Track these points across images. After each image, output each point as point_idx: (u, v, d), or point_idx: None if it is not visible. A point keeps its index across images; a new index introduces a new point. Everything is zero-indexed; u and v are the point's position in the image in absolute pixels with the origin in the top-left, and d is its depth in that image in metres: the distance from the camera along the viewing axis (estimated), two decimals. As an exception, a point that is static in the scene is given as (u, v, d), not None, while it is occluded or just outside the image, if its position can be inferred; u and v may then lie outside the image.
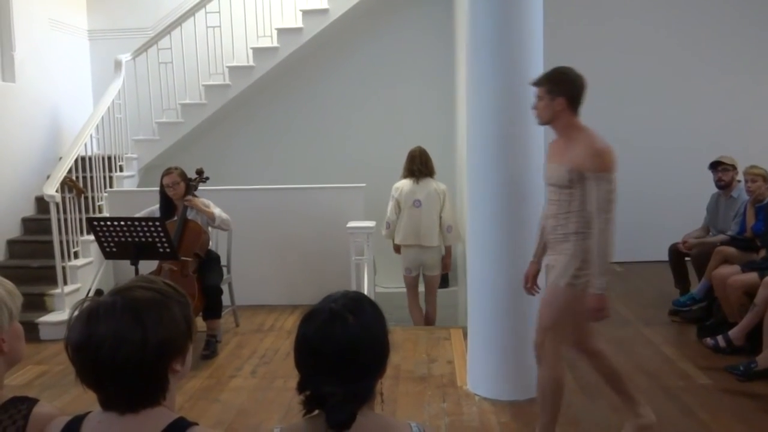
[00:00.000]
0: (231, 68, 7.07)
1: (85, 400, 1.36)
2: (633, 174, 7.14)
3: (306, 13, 6.99)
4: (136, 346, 1.23)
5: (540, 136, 3.73)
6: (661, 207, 7.06)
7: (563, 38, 6.60)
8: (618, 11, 7.15)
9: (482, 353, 3.88)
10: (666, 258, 5.51)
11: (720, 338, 4.38)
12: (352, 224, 5.43)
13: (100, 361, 1.23)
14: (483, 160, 3.76)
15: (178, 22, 6.94)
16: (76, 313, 1.28)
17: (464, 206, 5.12)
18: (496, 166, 3.70)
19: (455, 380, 4.15)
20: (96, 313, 1.25)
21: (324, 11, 6.95)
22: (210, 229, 5.01)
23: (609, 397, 3.75)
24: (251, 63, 7.06)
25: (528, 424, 3.51)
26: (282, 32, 7.02)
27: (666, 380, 4.00)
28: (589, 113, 7.30)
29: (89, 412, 1.34)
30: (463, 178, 5.37)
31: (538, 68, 3.68)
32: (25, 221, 6.37)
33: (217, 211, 4.92)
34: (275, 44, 7.03)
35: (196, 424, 1.31)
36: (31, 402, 1.43)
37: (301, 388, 1.35)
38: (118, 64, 6.79)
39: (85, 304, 1.28)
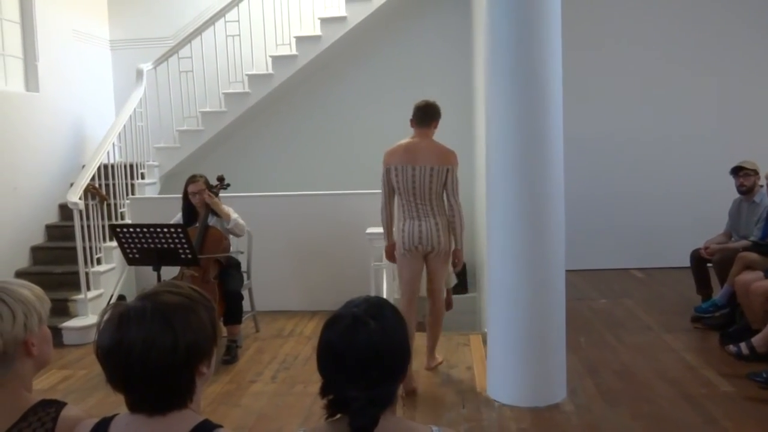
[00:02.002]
0: (250, 76, 7.14)
1: (109, 404, 1.39)
2: (654, 179, 7.12)
3: (324, 21, 7.05)
4: (167, 350, 1.26)
5: (560, 139, 3.72)
6: (682, 212, 7.00)
7: (582, 38, 6.60)
8: (638, 10, 7.11)
9: (502, 359, 3.87)
10: (688, 264, 5.47)
11: (743, 345, 4.32)
12: (371, 230, 5.44)
13: (131, 365, 1.26)
14: (502, 164, 3.75)
15: (198, 31, 7.02)
16: (105, 317, 1.31)
17: (483, 210, 5.12)
18: (515, 169, 3.70)
19: (474, 386, 4.14)
20: (126, 317, 1.28)
21: (342, 19, 7.00)
22: (230, 236, 5.05)
23: (629, 404, 3.75)
24: (270, 71, 7.12)
25: (548, 431, 3.49)
26: (300, 40, 7.07)
27: (688, 387, 3.96)
28: (607, 116, 7.33)
29: (116, 415, 1.37)
30: (481, 182, 5.37)
31: (557, 69, 3.68)
32: (49, 228, 6.46)
33: (233, 215, 4.96)
34: (294, 52, 7.09)
35: (221, 426, 1.33)
36: (60, 405, 1.46)
37: (324, 392, 1.37)
38: (139, 73, 6.88)
39: (115, 309, 1.31)
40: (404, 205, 4.15)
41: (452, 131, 7.19)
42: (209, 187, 4.98)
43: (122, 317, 1.29)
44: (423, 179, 4.05)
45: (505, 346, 3.84)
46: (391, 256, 4.35)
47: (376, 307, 1.41)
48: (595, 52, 6.99)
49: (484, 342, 4.54)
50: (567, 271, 3.90)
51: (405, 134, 7.41)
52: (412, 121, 4.26)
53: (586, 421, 3.58)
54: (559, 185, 3.75)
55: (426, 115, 4.25)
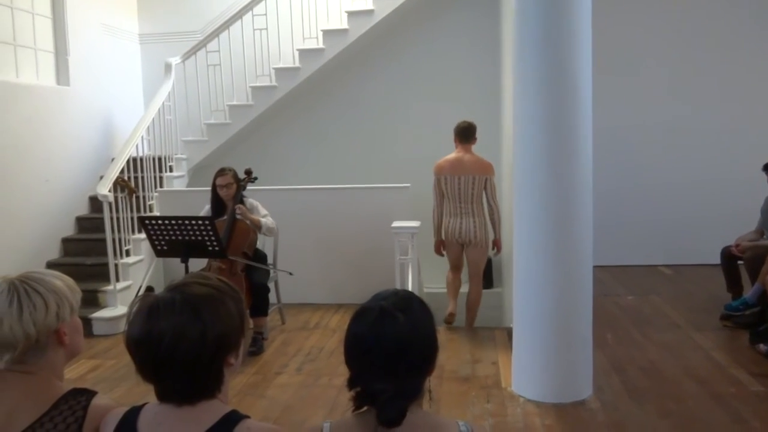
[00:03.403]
0: (277, 70, 7.17)
1: (137, 393, 1.41)
2: (684, 174, 7.02)
3: (351, 15, 7.05)
4: (196, 341, 1.28)
5: (589, 133, 3.68)
6: (712, 208, 6.90)
7: (611, 29, 6.52)
8: (672, 4, 7.00)
9: (528, 355, 3.85)
10: (717, 261, 5.39)
11: (773, 344, 4.27)
12: (396, 224, 5.44)
13: (161, 356, 1.28)
14: (530, 158, 3.72)
15: (226, 25, 7.07)
16: (135, 308, 1.33)
17: (509, 205, 5.09)
18: (543, 164, 3.66)
19: (500, 381, 4.13)
20: (156, 308, 1.30)
21: (369, 12, 6.99)
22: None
23: (656, 402, 3.71)
24: (297, 64, 7.14)
25: (573, 428, 3.47)
26: (327, 33, 7.09)
27: (717, 386, 3.91)
28: (636, 110, 7.23)
29: (145, 404, 1.39)
30: (509, 177, 5.34)
31: (587, 64, 3.64)
32: (80, 220, 6.57)
33: (264, 220, 4.99)
34: (321, 45, 7.10)
35: (248, 417, 1.35)
36: (90, 394, 1.48)
37: (351, 384, 1.38)
38: (168, 67, 6.95)
39: (145, 300, 1.33)
40: (450, 206, 5.27)
41: (479, 125, 7.21)
42: (237, 180, 5.01)
43: (152, 308, 1.31)
44: (467, 186, 5.18)
45: (531, 342, 3.82)
46: (438, 251, 5.48)
47: (405, 300, 1.41)
48: (625, 43, 6.90)
49: (510, 337, 4.52)
50: (594, 266, 3.87)
51: (430, 127, 7.43)
52: (455, 139, 5.33)
53: (612, 419, 3.55)
54: (588, 180, 3.71)
55: (467, 134, 5.30)
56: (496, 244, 5.39)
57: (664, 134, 7.02)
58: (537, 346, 3.79)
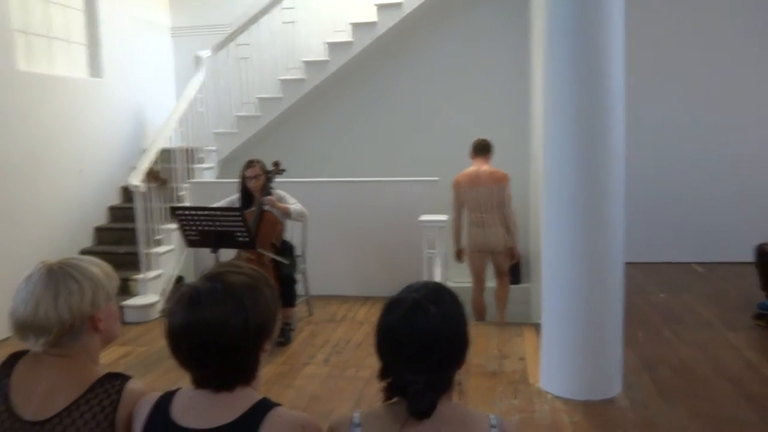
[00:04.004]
0: (306, 63, 7.20)
1: (168, 380, 1.43)
2: (718, 169, 6.90)
3: (380, 7, 7.04)
4: (240, 329, 1.31)
5: (621, 130, 3.63)
6: (746, 205, 6.78)
7: (646, 23, 6.41)
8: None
9: (556, 351, 3.82)
10: (751, 259, 5.28)
11: (808, 344, 4.19)
12: (424, 217, 5.43)
13: (205, 344, 1.30)
14: (560, 153, 3.67)
15: (256, 18, 7.10)
16: (176, 298, 1.35)
17: (538, 200, 5.05)
18: (573, 159, 3.62)
19: (527, 377, 4.11)
20: (197, 298, 1.32)
21: (398, 5, 6.98)
22: (285, 220, 5.12)
23: (687, 401, 3.66)
24: (326, 57, 7.16)
25: (601, 425, 3.44)
26: (356, 27, 7.09)
27: (748, 386, 3.84)
28: (669, 104, 7.11)
29: (178, 389, 1.41)
30: (538, 171, 5.30)
31: (620, 59, 3.58)
32: (112, 209, 6.67)
33: (293, 207, 5.02)
34: (350, 38, 7.11)
35: (280, 405, 1.36)
36: (124, 378, 1.51)
37: (382, 375, 1.38)
38: (198, 60, 7.02)
39: (185, 290, 1.35)
40: (472, 216, 5.51)
41: (507, 118, 7.16)
42: (266, 172, 5.04)
43: (193, 298, 1.32)
44: (485, 197, 5.43)
45: (560, 338, 3.78)
46: (459, 258, 5.75)
47: (436, 292, 1.40)
48: (660, 39, 6.79)
49: (538, 333, 4.49)
50: (626, 263, 3.81)
51: (459, 121, 7.39)
52: (471, 153, 5.63)
53: (642, 417, 3.51)
54: (619, 175, 3.65)
55: (483, 150, 5.62)
56: (512, 253, 5.59)
57: (699, 129, 6.90)
58: (566, 343, 3.76)
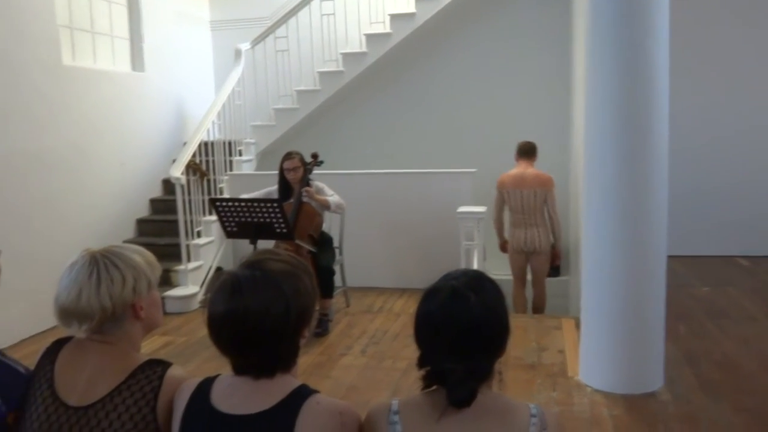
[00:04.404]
0: (344, 55, 7.20)
1: (208, 369, 1.44)
2: (765, 162, 6.71)
3: (419, -1, 7.00)
4: (281, 316, 1.32)
5: (664, 122, 3.55)
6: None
7: (690, 15, 6.25)
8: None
9: (596, 344, 3.77)
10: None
11: None
12: (462, 209, 5.40)
13: (247, 331, 1.32)
14: (602, 145, 3.61)
15: (294, 11, 7.13)
16: (216, 285, 1.36)
17: (578, 192, 4.98)
18: (616, 150, 3.54)
19: (566, 370, 4.06)
20: (238, 286, 1.33)
21: (437, -5, 6.93)
22: (324, 212, 5.14)
23: (731, 396, 3.58)
24: (364, 49, 7.15)
25: (642, 419, 3.39)
26: (395, 18, 7.06)
27: (796, 382, 3.74)
28: (714, 96, 6.92)
29: (218, 375, 1.42)
30: (578, 162, 5.23)
31: (664, 48, 3.50)
32: (153, 202, 6.78)
33: (331, 199, 5.04)
34: (388, 30, 7.09)
35: (318, 392, 1.37)
36: (166, 365, 1.53)
37: (421, 363, 1.38)
38: (238, 53, 7.07)
39: (226, 278, 1.36)
40: (514, 218, 5.60)
41: (547, 110, 7.08)
42: (304, 163, 5.07)
43: (234, 286, 1.34)
44: (529, 199, 5.49)
45: (601, 331, 3.73)
46: (504, 249, 5.83)
47: (476, 280, 1.39)
48: (704, 28, 6.61)
49: (577, 326, 4.43)
50: (668, 256, 3.73)
51: (497, 112, 7.32)
52: (516, 155, 5.66)
53: (684, 412, 3.44)
54: (663, 167, 3.58)
55: (528, 152, 5.63)
56: (556, 253, 5.69)
57: (744, 121, 6.71)
58: (606, 336, 3.70)
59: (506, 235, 5.75)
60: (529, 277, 5.81)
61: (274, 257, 1.40)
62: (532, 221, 5.52)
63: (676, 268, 5.87)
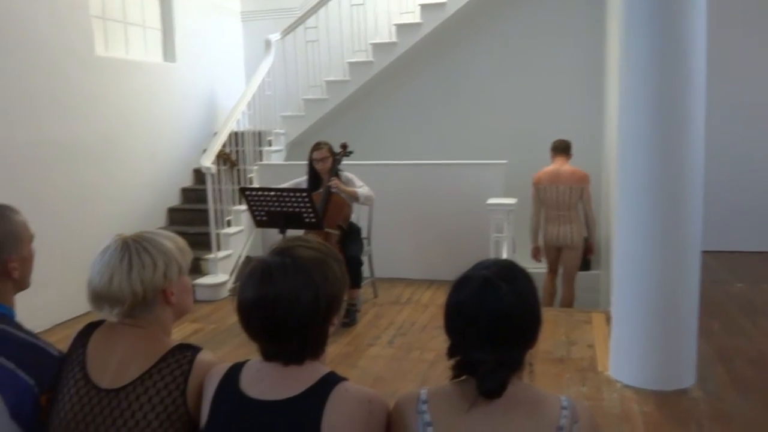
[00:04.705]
0: (374, 45, 7.18)
1: (237, 356, 1.45)
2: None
3: (449, -12, 6.94)
4: (311, 303, 1.32)
5: (700, 114, 3.47)
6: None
7: (727, 10, 6.11)
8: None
9: (627, 339, 3.71)
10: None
11: None
12: (492, 201, 5.36)
13: (277, 318, 1.32)
14: (636, 137, 3.54)
15: (324, 1, 7.13)
16: (246, 272, 1.36)
17: (610, 185, 4.91)
18: (650, 143, 3.48)
19: (596, 365, 4.01)
20: (269, 272, 1.34)
21: (467, -15, 6.87)
22: (353, 203, 5.14)
23: (764, 394, 3.51)
24: (394, 39, 7.12)
25: (673, 416, 3.33)
26: (425, 7, 7.02)
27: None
28: (751, 89, 6.75)
29: (247, 360, 1.42)
30: (611, 154, 5.15)
31: (701, 38, 3.42)
32: (184, 191, 6.84)
33: (360, 190, 5.04)
34: (418, 20, 7.04)
35: (346, 379, 1.36)
36: (195, 349, 1.53)
37: (450, 353, 1.36)
38: (268, 44, 7.09)
39: (256, 265, 1.36)
40: (549, 213, 5.68)
41: (580, 101, 6.98)
42: (333, 154, 5.07)
43: (264, 273, 1.34)
44: (564, 195, 5.57)
45: (632, 326, 3.67)
46: (536, 256, 5.90)
47: (508, 269, 1.37)
48: (742, 17, 6.46)
49: (608, 320, 4.38)
50: (702, 252, 3.66)
51: (528, 103, 7.24)
52: (552, 153, 5.77)
53: (716, 409, 3.38)
54: (698, 161, 3.50)
55: (564, 149, 5.73)
56: (590, 246, 5.78)
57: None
58: (638, 331, 3.64)
59: (540, 239, 5.85)
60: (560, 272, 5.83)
61: (305, 244, 1.40)
62: (566, 217, 5.59)
63: (710, 264, 5.75)
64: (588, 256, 5.84)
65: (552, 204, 5.62)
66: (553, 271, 5.84)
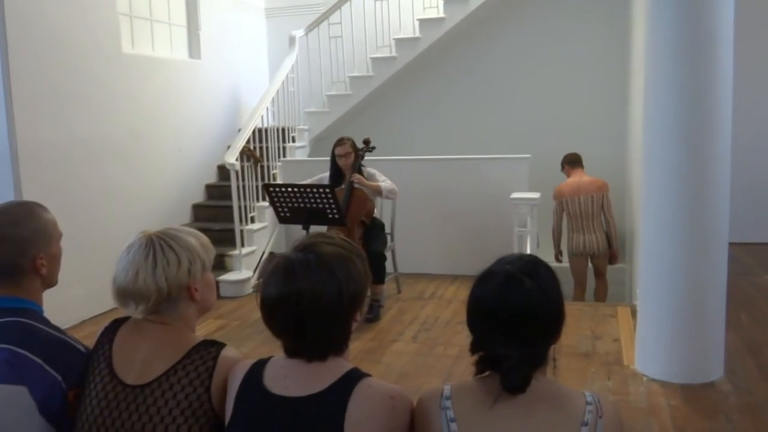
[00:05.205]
0: (397, 40, 7.16)
1: (261, 352, 1.45)
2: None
3: (472, -18, 6.90)
4: (334, 299, 1.32)
5: (727, 104, 3.42)
6: None
7: (755, 4, 6.00)
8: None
9: (653, 332, 3.67)
10: None
11: None
12: (515, 195, 5.33)
13: (301, 314, 1.32)
14: (662, 129, 3.50)
15: (349, -5, 7.12)
16: (270, 268, 1.37)
17: (635, 177, 4.86)
18: (676, 134, 3.44)
19: (621, 359, 3.98)
20: (291, 269, 1.34)
21: (491, -22, 6.82)
22: (376, 198, 5.14)
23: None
24: (417, 34, 7.10)
25: (702, 410, 3.29)
26: (448, 2, 6.98)
27: None
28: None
29: (271, 357, 1.43)
30: (636, 146, 5.09)
31: (728, 29, 3.36)
32: (209, 187, 6.89)
33: (383, 184, 5.04)
34: (441, 15, 7.02)
35: (369, 375, 1.37)
36: (220, 346, 1.55)
37: (473, 349, 1.36)
38: (292, 40, 7.11)
39: (279, 261, 1.37)
40: (573, 223, 5.87)
41: (604, 94, 6.90)
42: (356, 149, 5.07)
43: (287, 269, 1.35)
44: (587, 205, 5.80)
45: (658, 320, 3.63)
46: (558, 259, 6.06)
47: (531, 264, 1.37)
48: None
49: (633, 314, 4.33)
50: (730, 243, 3.61)
51: (551, 98, 7.18)
52: (568, 168, 6.02)
53: (745, 402, 3.33)
54: (725, 151, 3.45)
55: (579, 162, 5.99)
56: (613, 255, 5.97)
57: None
58: (664, 324, 3.61)
59: (562, 246, 6.07)
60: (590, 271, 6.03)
61: (327, 241, 1.40)
62: (590, 226, 5.82)
63: (738, 256, 5.68)
64: (612, 263, 6.05)
65: (576, 215, 5.83)
66: (581, 283, 5.98)
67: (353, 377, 1.35)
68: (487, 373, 1.34)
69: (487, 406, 1.30)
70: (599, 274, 5.99)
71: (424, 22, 7.08)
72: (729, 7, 3.37)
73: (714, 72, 3.38)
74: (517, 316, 1.30)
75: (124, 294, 1.54)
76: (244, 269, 5.85)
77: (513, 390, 1.28)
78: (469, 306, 1.38)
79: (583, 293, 6.01)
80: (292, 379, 1.36)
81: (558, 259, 6.04)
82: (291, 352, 1.38)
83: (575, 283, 5.99)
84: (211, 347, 1.54)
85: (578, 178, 5.90)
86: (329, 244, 1.39)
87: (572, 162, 5.98)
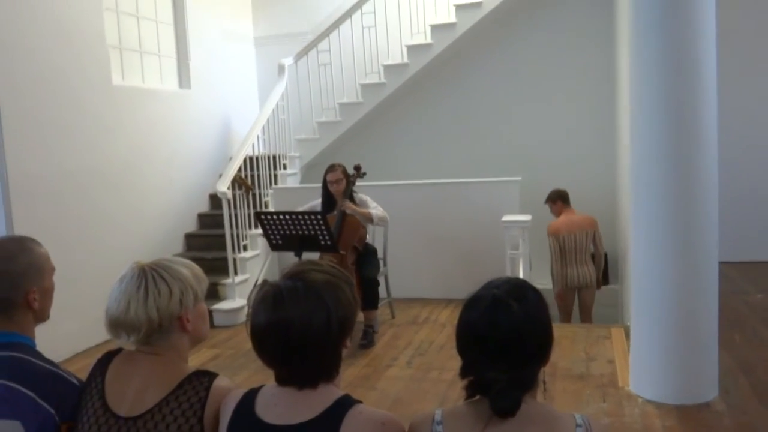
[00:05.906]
0: (386, 66, 7.23)
1: (255, 381, 1.46)
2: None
3: (459, 8, 7.00)
4: (323, 326, 1.33)
5: (713, 121, 3.46)
6: None
7: (737, 17, 6.09)
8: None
9: (647, 353, 3.68)
10: None
11: None
12: (507, 218, 5.36)
13: (289, 342, 1.33)
14: (649, 147, 3.53)
15: (336, 24, 7.21)
16: (258, 297, 1.39)
17: (626, 198, 4.89)
18: (662, 153, 3.46)
19: (616, 380, 3.98)
20: (280, 297, 1.36)
21: (477, 4, 6.92)
22: (368, 224, 5.16)
23: (790, 406, 3.46)
24: (405, 60, 7.18)
25: (697, 431, 3.29)
26: (436, 28, 7.08)
27: None
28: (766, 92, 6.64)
29: (263, 386, 1.44)
30: (625, 166, 5.14)
31: (711, 48, 3.42)
32: (201, 216, 6.90)
33: (374, 211, 5.06)
34: (429, 40, 7.10)
35: (360, 402, 1.37)
36: (212, 376, 1.55)
37: (463, 373, 1.37)
38: (281, 68, 7.17)
39: (268, 289, 1.38)
40: (567, 257, 6.04)
41: (592, 116, 6.98)
42: (347, 175, 5.10)
43: (276, 297, 1.36)
44: (581, 240, 6.01)
45: (651, 340, 3.64)
46: (561, 298, 6.14)
47: (518, 288, 1.38)
48: (753, 23, 6.44)
49: (627, 335, 4.34)
50: (720, 262, 3.63)
51: (540, 120, 7.24)
52: (558, 206, 6.17)
53: (740, 422, 3.33)
54: (712, 170, 3.49)
55: (567, 198, 6.18)
56: (598, 282, 6.17)
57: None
58: (658, 345, 3.61)
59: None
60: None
61: (316, 268, 1.41)
62: (583, 259, 6.01)
63: (729, 274, 5.71)
64: (597, 288, 6.19)
65: (572, 249, 6.01)
66: (569, 315, 6.13)
67: (344, 404, 1.35)
68: (477, 397, 1.35)
69: (478, 430, 1.30)
70: (585, 313, 6.15)
71: (412, 48, 7.16)
72: (711, 24, 3.41)
73: (699, 92, 3.40)
74: (505, 339, 1.31)
75: (116, 325, 1.55)
76: (238, 298, 5.84)
77: (503, 413, 1.28)
78: (457, 331, 1.39)
79: (569, 321, 6.12)
80: (283, 407, 1.36)
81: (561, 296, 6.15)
82: (282, 379, 1.39)
83: (563, 315, 6.12)
84: (204, 377, 1.54)
85: (570, 215, 6.07)
86: (317, 272, 1.40)
87: (562, 198, 6.16)
